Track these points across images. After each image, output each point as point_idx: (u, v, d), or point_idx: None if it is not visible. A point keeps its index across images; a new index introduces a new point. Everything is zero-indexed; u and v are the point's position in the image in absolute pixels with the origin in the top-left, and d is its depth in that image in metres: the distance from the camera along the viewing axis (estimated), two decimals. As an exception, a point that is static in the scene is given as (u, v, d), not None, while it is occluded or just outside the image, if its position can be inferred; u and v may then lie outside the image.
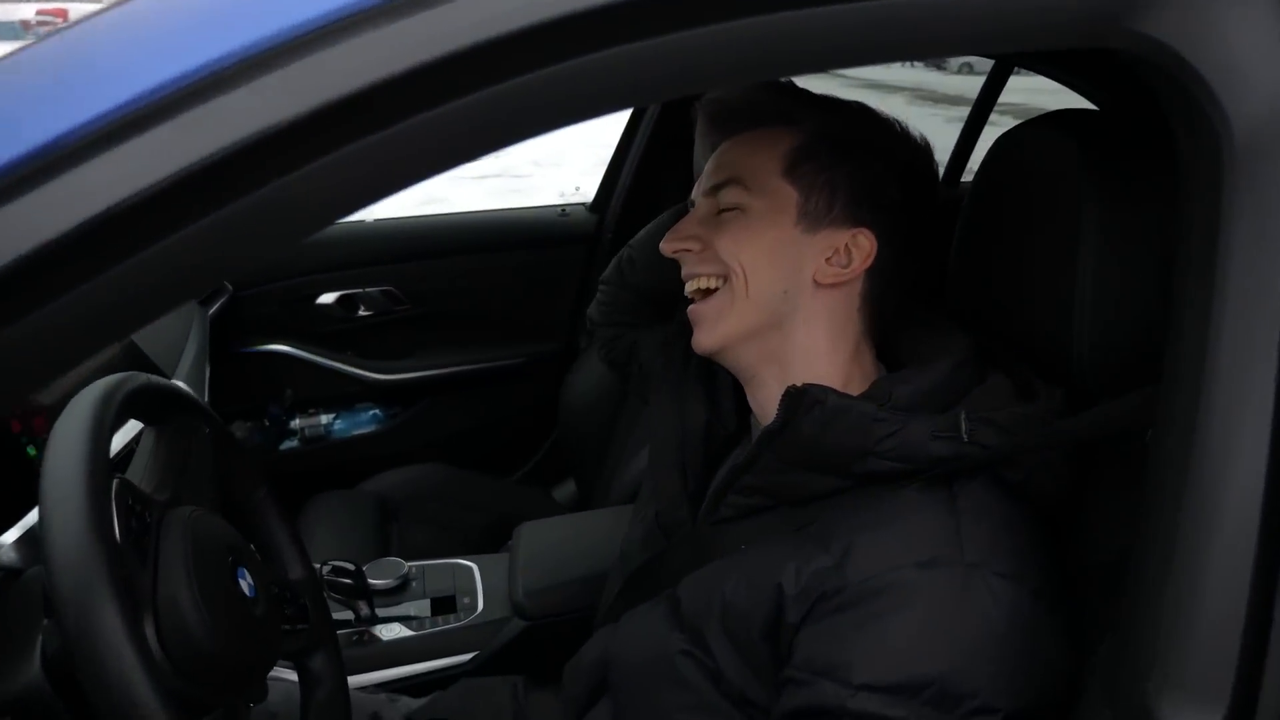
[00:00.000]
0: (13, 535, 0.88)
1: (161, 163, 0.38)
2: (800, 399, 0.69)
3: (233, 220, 0.40)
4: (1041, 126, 0.77)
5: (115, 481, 0.64)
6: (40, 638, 0.65)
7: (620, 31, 0.41)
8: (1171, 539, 0.53)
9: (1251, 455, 0.50)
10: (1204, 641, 0.52)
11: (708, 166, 0.81)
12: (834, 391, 0.70)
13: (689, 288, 0.79)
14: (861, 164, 0.76)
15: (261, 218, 0.40)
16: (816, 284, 0.76)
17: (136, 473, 0.75)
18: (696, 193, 0.81)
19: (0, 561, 0.88)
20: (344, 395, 1.97)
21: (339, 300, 1.90)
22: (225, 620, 0.68)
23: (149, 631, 0.63)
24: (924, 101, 9.62)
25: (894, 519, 0.68)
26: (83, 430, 0.63)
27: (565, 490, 2.01)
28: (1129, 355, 0.69)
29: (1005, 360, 0.77)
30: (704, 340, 0.78)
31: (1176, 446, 0.53)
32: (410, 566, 1.30)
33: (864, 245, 0.75)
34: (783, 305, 0.76)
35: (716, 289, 0.77)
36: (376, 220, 2.00)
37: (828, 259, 0.75)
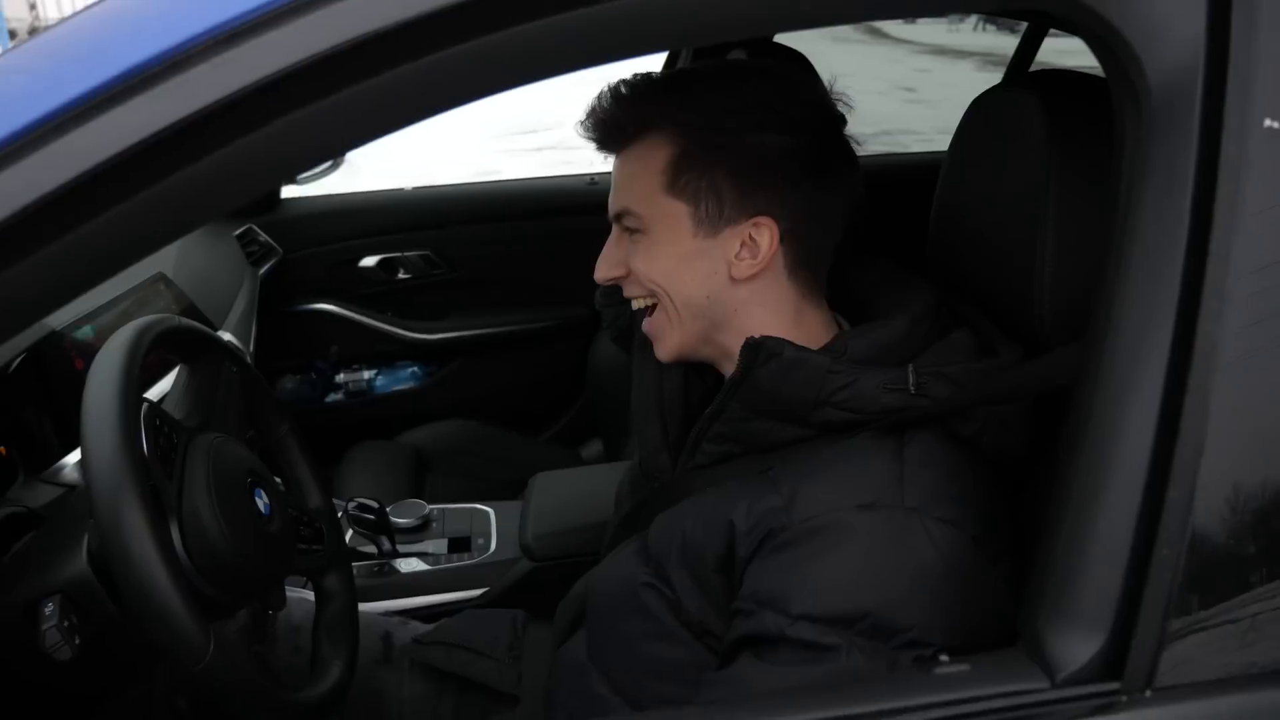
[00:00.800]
0: (74, 457, 1.02)
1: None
2: (758, 350, 0.73)
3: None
4: (1013, 90, 0.77)
5: (145, 406, 0.74)
6: (86, 535, 0.75)
7: None
8: (1069, 484, 0.56)
9: (1146, 401, 0.53)
10: (1089, 576, 0.55)
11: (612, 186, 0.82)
12: (790, 344, 0.73)
13: (634, 306, 0.84)
14: (735, 152, 0.75)
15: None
16: (735, 279, 0.77)
17: (170, 402, 0.85)
18: (611, 212, 0.82)
19: (64, 478, 1.01)
20: (385, 353, 2.05)
21: (380, 264, 1.99)
22: (242, 531, 0.76)
23: (175, 536, 0.72)
24: (995, 67, 9.08)
25: (840, 463, 0.71)
26: (116, 362, 0.72)
27: (593, 450, 2.07)
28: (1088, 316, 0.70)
29: (972, 317, 0.80)
30: (661, 353, 0.83)
31: (1083, 395, 0.56)
32: (431, 508, 1.39)
33: (764, 232, 0.76)
34: (714, 308, 0.79)
35: (654, 307, 0.81)
36: (416, 188, 2.09)
37: (736, 255, 0.77)
